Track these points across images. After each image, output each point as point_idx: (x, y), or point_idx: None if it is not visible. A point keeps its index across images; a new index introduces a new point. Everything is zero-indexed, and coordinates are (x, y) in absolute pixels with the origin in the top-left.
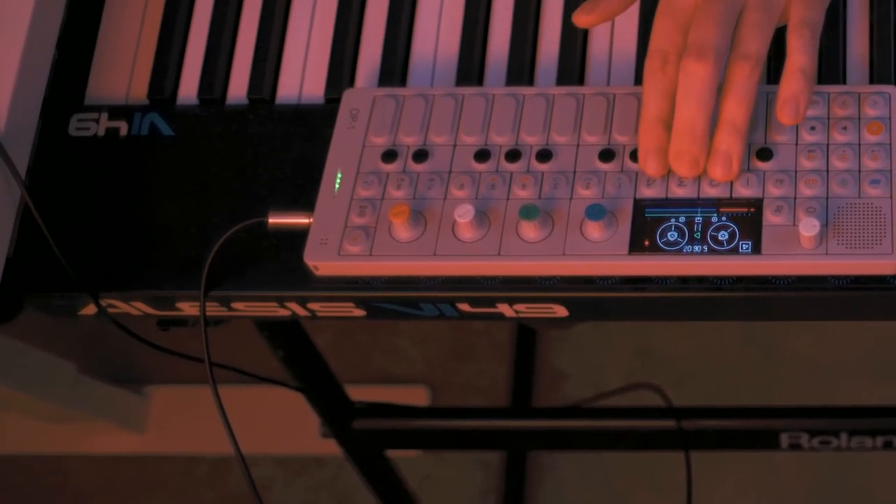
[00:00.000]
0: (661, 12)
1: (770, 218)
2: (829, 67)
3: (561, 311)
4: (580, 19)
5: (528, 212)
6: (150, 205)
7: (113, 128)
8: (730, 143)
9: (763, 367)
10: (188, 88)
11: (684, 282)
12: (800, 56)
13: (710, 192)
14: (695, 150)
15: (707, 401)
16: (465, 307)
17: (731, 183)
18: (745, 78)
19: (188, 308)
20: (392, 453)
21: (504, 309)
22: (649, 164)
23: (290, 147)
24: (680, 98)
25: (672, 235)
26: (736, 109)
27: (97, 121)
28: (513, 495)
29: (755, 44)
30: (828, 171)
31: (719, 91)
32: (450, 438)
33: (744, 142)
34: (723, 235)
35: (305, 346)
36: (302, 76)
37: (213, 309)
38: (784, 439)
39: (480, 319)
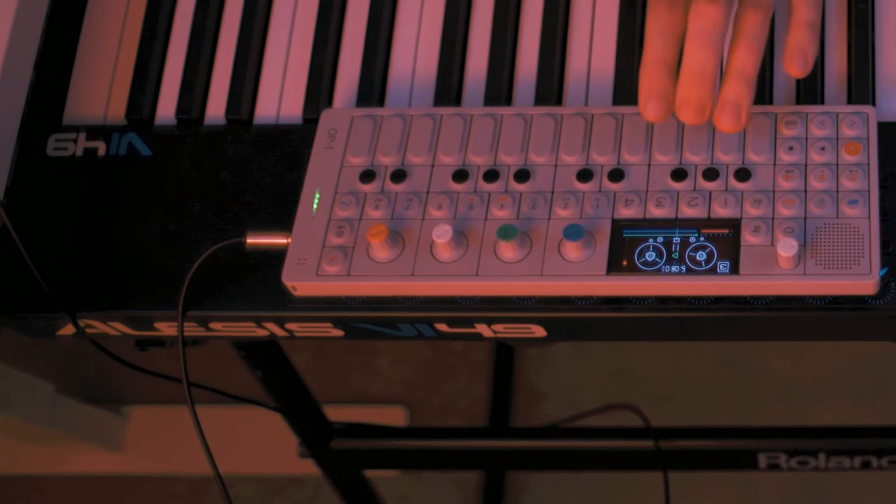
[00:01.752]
0: None
1: (748, 238)
2: (807, 88)
3: (539, 332)
4: (650, 112)
5: (506, 232)
6: (128, 225)
7: (91, 148)
8: (739, 92)
9: (741, 387)
10: (166, 109)
11: (662, 302)
12: (804, 8)
13: (688, 212)
14: (703, 95)
15: (685, 421)
16: (443, 327)
17: (710, 203)
18: (757, 25)
19: (166, 328)
20: (370, 473)
21: (482, 329)
22: (649, 109)
23: (267, 167)
24: (690, 41)
25: (650, 255)
26: (747, 58)
27: (75, 141)
28: None
29: None
30: (806, 191)
31: None
32: (428, 458)
33: (753, 92)
34: (701, 256)
35: (283, 367)
36: (280, 96)
37: (191, 329)
38: (762, 459)
39: (458, 339)
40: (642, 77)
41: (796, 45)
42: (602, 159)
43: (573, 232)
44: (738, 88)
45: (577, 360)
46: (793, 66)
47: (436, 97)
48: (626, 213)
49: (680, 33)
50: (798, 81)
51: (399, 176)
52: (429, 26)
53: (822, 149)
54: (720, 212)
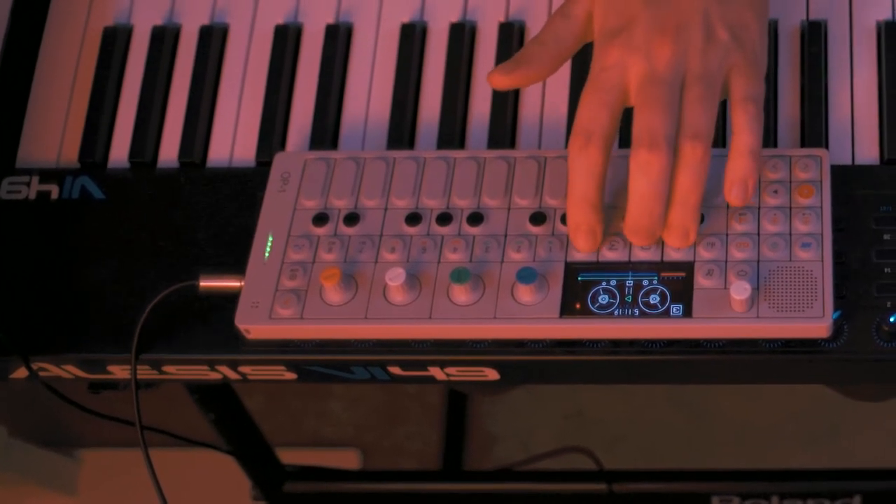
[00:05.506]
0: (587, 89)
1: (701, 281)
2: None
3: (492, 375)
4: (496, 80)
5: (459, 275)
6: (82, 268)
7: (44, 191)
8: (686, 219)
9: (694, 430)
10: (119, 152)
11: (615, 345)
12: (746, 135)
13: (641, 255)
14: (653, 226)
15: (638, 464)
16: (396, 370)
17: (662, 246)
18: (697, 159)
19: (119, 371)
20: None
21: (435, 372)
22: (579, 242)
23: (221, 210)
24: (634, 186)
25: (603, 298)
26: (690, 189)
27: (28, 184)
28: None
29: (703, 121)
30: (759, 234)
31: None
32: (381, 502)
33: (698, 215)
34: (654, 299)
35: (236, 409)
36: (233, 139)
37: (145, 372)
38: (715, 502)
39: (412, 382)
40: (568, 212)
41: (737, 177)
42: (555, 202)
43: (526, 275)
44: (685, 216)
45: (529, 403)
46: (732, 195)
47: (389, 140)
48: (579, 255)
49: (600, 170)
50: None
51: (352, 219)
52: (382, 69)
53: (776, 192)
54: (673, 255)
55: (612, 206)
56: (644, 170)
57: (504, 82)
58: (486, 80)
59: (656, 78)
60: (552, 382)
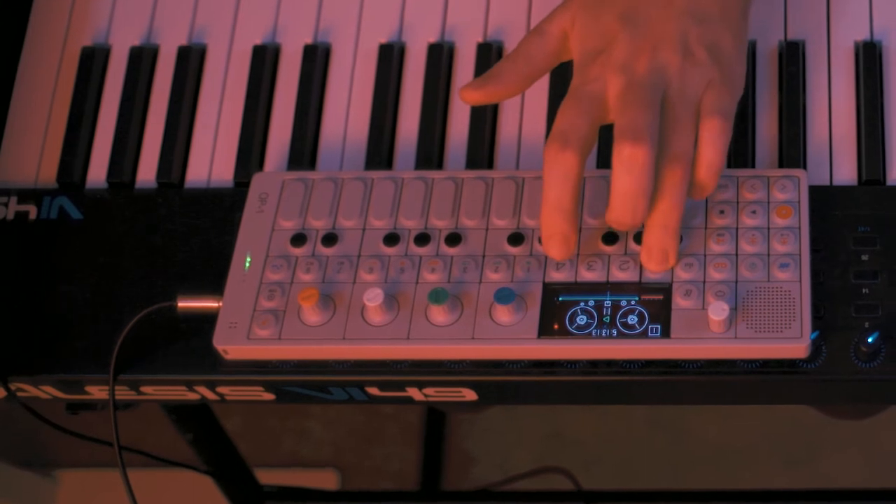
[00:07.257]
0: (566, 100)
1: (679, 302)
2: (739, 151)
3: (470, 395)
4: (466, 95)
5: (437, 296)
6: (60, 289)
7: (22, 211)
8: (665, 242)
9: (672, 451)
10: (97, 172)
11: (593, 366)
12: (707, 148)
13: (619, 275)
14: (636, 222)
15: (616, 484)
16: (374, 391)
17: (641, 267)
18: (678, 181)
19: (97, 392)
20: None
21: (413, 393)
22: (552, 250)
23: (199, 231)
24: (617, 184)
25: (581, 319)
26: (670, 213)
27: (6, 204)
28: None
29: (682, 143)
30: (737, 254)
31: None
32: None
33: (678, 237)
34: (632, 319)
35: (214, 430)
36: (211, 160)
37: (122, 393)
38: None
39: (390, 403)
40: (542, 218)
41: (695, 187)
42: (533, 223)
43: (504, 296)
44: (665, 239)
45: (508, 424)
46: (695, 194)
47: (367, 160)
48: (556, 276)
49: (575, 175)
50: (729, 144)
51: (330, 239)
52: (360, 89)
53: (754, 212)
54: (651, 275)
55: (590, 228)
56: (627, 165)
57: (474, 97)
58: (458, 95)
59: (636, 83)
60: (530, 403)
